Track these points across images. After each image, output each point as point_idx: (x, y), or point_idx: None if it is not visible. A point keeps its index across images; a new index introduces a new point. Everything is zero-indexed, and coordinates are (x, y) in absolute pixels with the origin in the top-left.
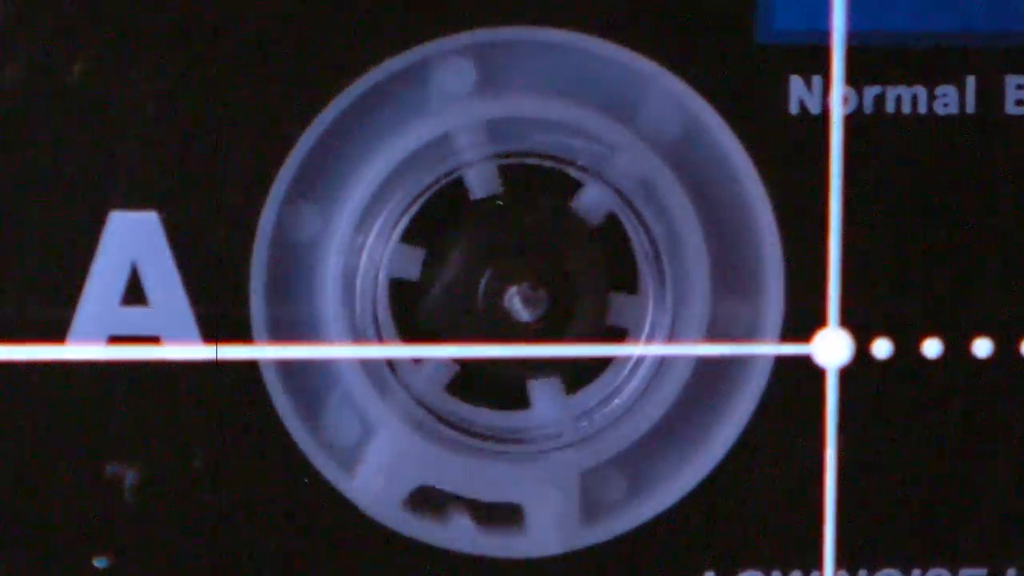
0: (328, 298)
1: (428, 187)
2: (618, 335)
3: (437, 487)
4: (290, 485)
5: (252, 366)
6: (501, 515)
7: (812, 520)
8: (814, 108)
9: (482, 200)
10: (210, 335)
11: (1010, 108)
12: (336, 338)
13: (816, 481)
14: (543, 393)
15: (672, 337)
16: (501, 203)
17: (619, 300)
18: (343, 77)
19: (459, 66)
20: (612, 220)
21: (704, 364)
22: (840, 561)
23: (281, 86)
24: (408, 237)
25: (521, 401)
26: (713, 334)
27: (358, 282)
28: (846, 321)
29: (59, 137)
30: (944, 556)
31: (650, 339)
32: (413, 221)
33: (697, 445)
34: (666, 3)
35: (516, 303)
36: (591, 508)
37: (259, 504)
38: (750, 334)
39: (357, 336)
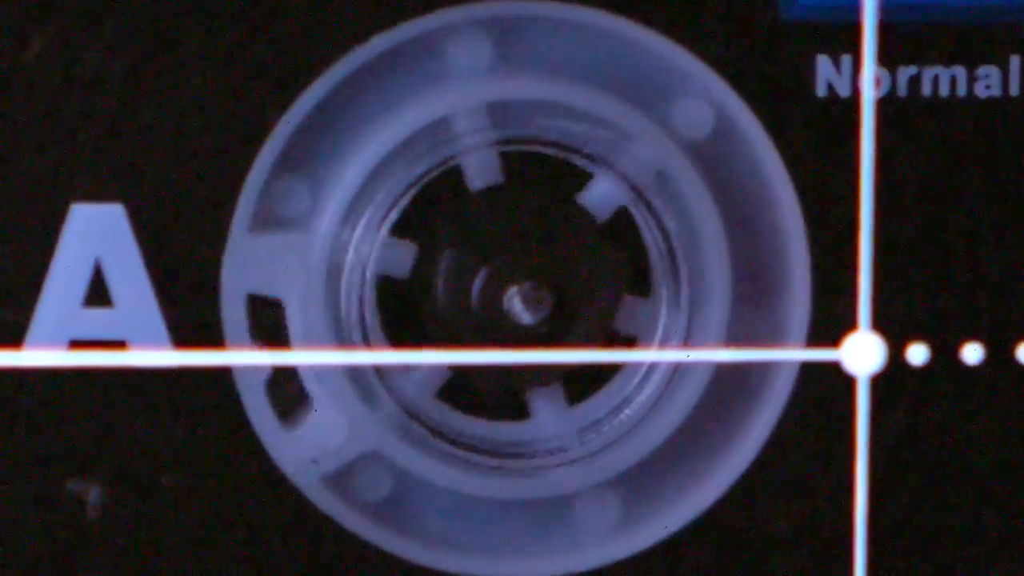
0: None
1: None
2: (628, 340)
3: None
4: (267, 504)
5: (226, 373)
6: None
7: (841, 539)
8: (843, 91)
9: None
10: (181, 339)
11: None
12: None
13: (845, 497)
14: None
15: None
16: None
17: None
18: (330, 53)
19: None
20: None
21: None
22: None
23: (261, 62)
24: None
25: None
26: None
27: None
28: (878, 324)
29: (14, 121)
30: None
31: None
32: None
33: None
34: None
35: (516, 304)
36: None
37: (234, 525)
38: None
39: (342, 340)
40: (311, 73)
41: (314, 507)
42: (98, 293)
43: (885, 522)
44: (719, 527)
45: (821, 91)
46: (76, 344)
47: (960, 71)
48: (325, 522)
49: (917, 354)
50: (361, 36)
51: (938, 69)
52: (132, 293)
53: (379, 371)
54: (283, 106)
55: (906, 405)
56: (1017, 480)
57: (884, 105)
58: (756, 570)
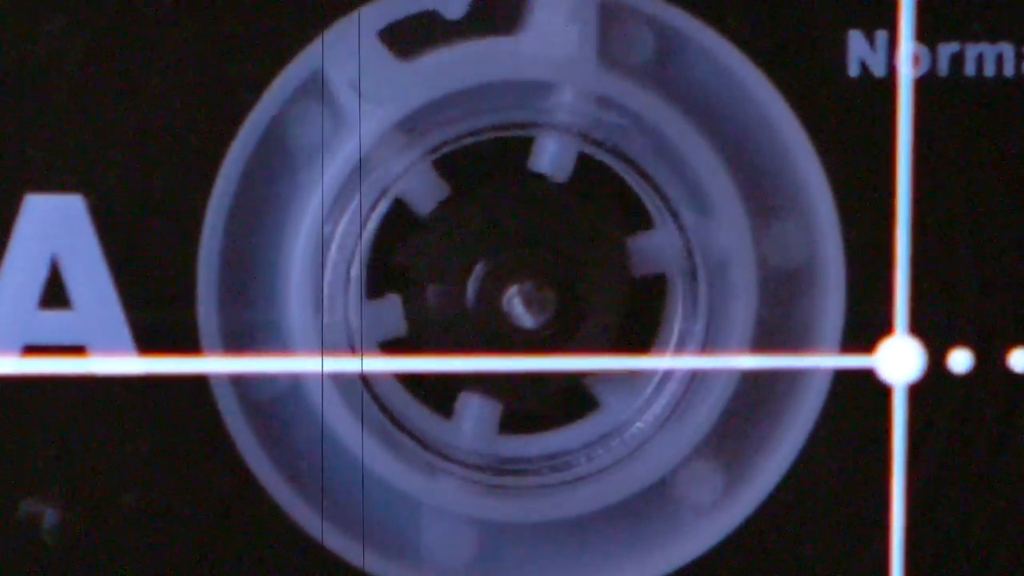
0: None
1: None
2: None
3: None
4: (246, 523)
5: (200, 382)
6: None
7: (877, 554)
8: (878, 70)
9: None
10: (147, 344)
11: None
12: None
13: (881, 516)
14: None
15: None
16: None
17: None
18: (308, 34)
19: None
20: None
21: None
22: None
23: (237, 40)
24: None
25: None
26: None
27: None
28: (916, 328)
29: None
30: None
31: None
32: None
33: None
34: None
35: (517, 305)
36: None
37: (207, 547)
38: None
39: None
40: (290, 50)
41: (294, 522)
42: (55, 293)
43: (923, 541)
44: (748, 545)
45: (853, 70)
46: (31, 349)
47: (1007, 48)
48: (307, 540)
49: (959, 361)
50: (344, 9)
51: (983, 46)
52: (92, 293)
53: None
54: (261, 85)
55: (947, 416)
56: None
57: (923, 85)
58: None
